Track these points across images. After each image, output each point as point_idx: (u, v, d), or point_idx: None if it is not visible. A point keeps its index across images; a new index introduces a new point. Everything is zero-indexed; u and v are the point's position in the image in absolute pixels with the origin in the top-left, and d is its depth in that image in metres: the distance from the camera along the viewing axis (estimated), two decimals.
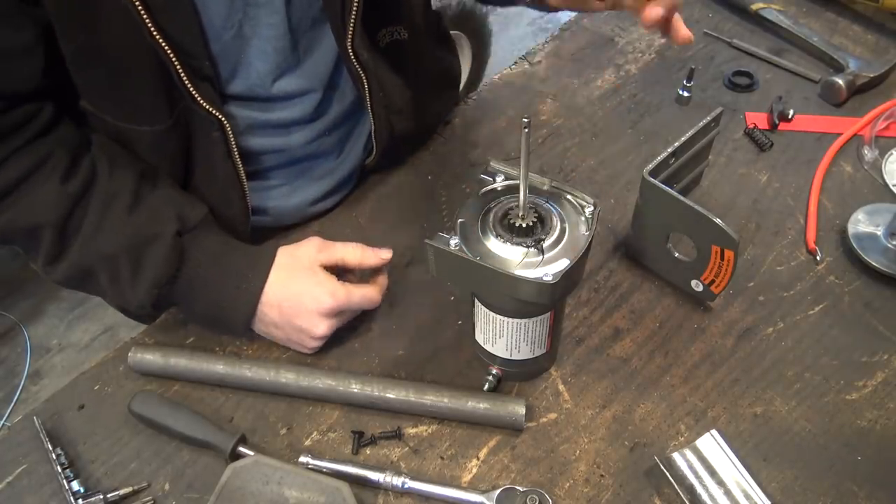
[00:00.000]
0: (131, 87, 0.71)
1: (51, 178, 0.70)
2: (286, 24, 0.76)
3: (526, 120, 0.55)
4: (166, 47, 0.66)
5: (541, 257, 0.60)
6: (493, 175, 0.67)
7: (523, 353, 0.70)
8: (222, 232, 0.79)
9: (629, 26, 1.17)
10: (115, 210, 0.72)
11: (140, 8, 0.63)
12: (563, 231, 0.62)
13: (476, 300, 0.68)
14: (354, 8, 0.74)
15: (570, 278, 0.61)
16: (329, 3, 0.75)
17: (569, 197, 0.65)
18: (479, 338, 0.72)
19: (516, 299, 0.61)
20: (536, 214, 0.62)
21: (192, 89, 0.70)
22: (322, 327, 0.74)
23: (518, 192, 0.61)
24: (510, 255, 0.61)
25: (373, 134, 0.89)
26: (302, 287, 0.74)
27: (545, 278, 0.58)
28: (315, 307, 0.73)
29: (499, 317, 0.67)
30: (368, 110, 0.86)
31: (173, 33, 0.66)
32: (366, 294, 0.76)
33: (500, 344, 0.70)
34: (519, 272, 0.59)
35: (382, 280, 0.79)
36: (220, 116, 0.74)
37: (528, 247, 0.61)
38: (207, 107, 0.73)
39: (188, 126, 0.76)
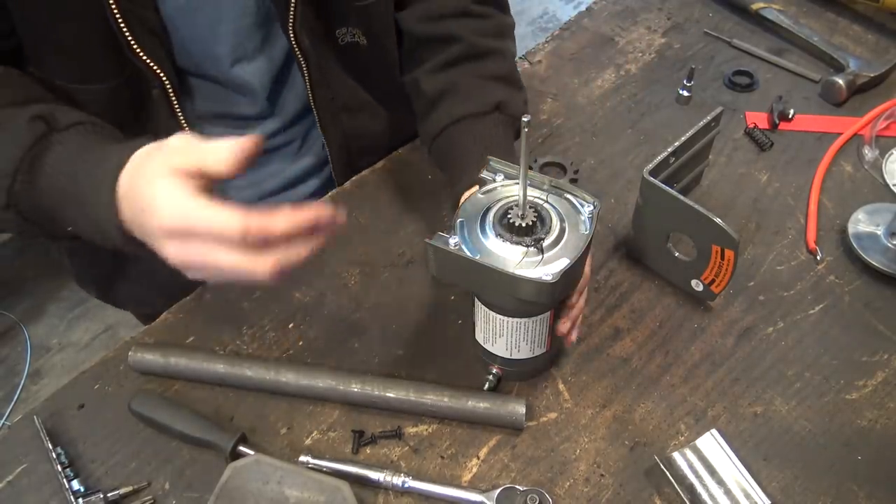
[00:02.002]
0: (65, 26, 0.69)
1: None
2: (251, 10, 0.77)
3: (525, 119, 0.55)
4: None
5: (540, 257, 0.60)
6: (494, 174, 0.67)
7: (523, 352, 0.70)
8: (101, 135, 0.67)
9: (629, 26, 1.18)
10: None
11: None
12: (562, 230, 0.62)
13: (476, 300, 0.68)
14: (293, 5, 0.74)
15: (569, 278, 0.61)
16: None
17: (568, 196, 0.65)
18: (479, 337, 0.72)
19: (516, 299, 0.61)
20: (536, 214, 0.62)
21: (129, 37, 0.69)
22: (165, 247, 0.56)
23: (518, 191, 0.61)
24: (509, 255, 0.60)
25: (318, 126, 0.89)
26: (143, 193, 0.56)
27: (544, 278, 0.58)
28: (151, 222, 0.56)
29: (499, 316, 0.67)
30: (310, 102, 0.86)
31: None
32: (220, 220, 0.53)
33: (499, 343, 0.70)
34: (518, 272, 0.59)
35: (292, 252, 0.56)
36: (161, 74, 0.73)
37: (527, 246, 0.61)
38: (147, 60, 0.71)
39: (134, 95, 0.75)
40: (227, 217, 0.52)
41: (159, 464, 0.70)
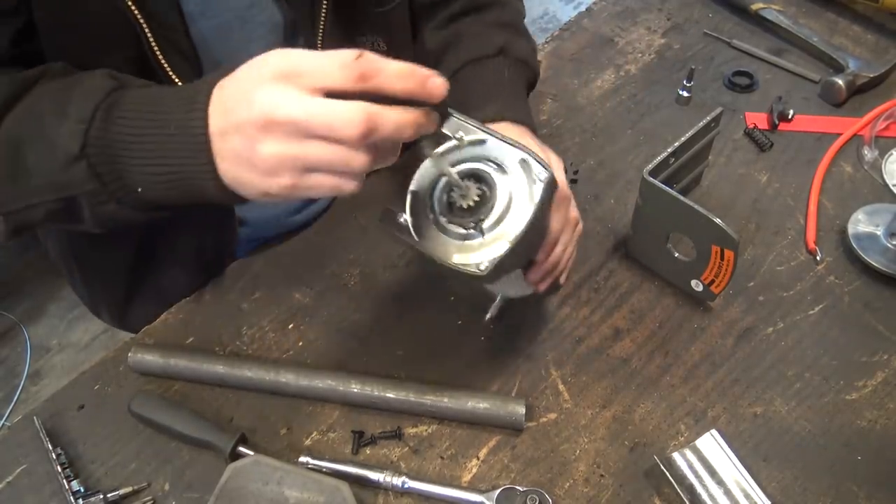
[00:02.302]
0: (104, 58, 0.68)
1: None
2: (278, 26, 0.76)
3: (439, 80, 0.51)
4: (136, 12, 0.64)
5: (482, 238, 0.57)
6: (455, 129, 0.59)
7: (516, 293, 0.70)
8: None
9: (629, 26, 1.18)
10: (48, 80, 0.64)
11: None
12: (508, 206, 0.57)
13: None
14: (324, 12, 0.74)
15: (513, 258, 0.57)
16: (298, 6, 0.75)
17: (527, 157, 0.58)
18: None
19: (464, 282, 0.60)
20: (480, 191, 0.57)
21: (163, 61, 0.68)
22: (257, 96, 0.50)
23: (479, 152, 0.57)
24: (452, 237, 0.57)
25: None
26: (244, 67, 0.54)
27: (481, 267, 0.55)
28: (256, 73, 0.52)
29: None
30: None
31: (147, 4, 0.65)
32: (330, 55, 0.50)
33: (491, 287, 0.70)
34: (457, 258, 0.56)
35: (386, 110, 0.51)
36: None
37: (467, 228, 0.57)
38: (180, 84, 0.71)
39: None
40: (347, 106, 0.49)
41: (159, 464, 0.70)
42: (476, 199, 0.57)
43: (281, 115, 0.50)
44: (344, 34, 0.79)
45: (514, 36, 0.83)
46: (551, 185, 0.57)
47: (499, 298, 0.73)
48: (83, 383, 0.76)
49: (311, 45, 0.78)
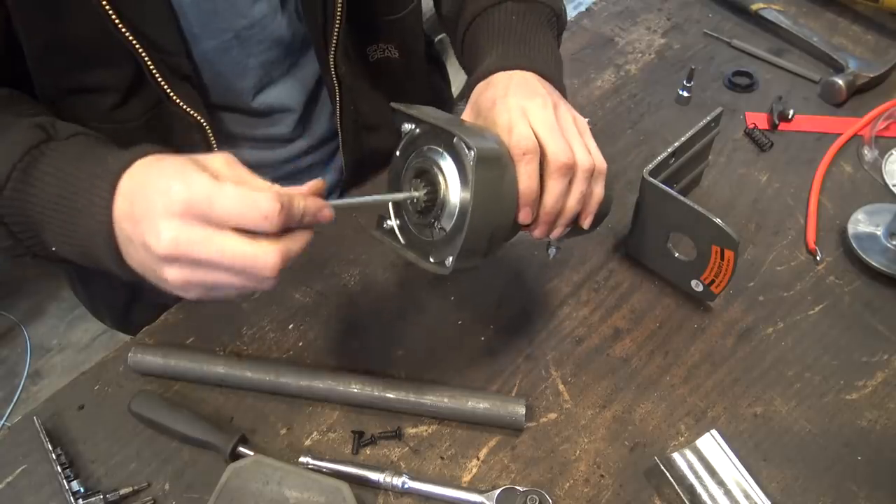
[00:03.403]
0: (99, 76, 0.68)
1: None
2: (277, 41, 0.77)
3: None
4: (134, 41, 0.64)
5: (444, 235, 0.57)
6: (401, 123, 0.59)
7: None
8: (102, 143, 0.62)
9: (629, 26, 1.18)
10: None
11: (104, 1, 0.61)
12: (455, 195, 0.56)
13: None
14: (337, 26, 0.74)
15: (476, 249, 0.56)
16: (311, 21, 0.75)
17: (455, 141, 0.55)
18: None
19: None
20: (428, 192, 0.56)
21: (166, 87, 0.68)
22: (164, 230, 0.48)
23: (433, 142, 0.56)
24: (426, 236, 0.58)
25: (340, 147, 0.88)
26: (158, 178, 0.51)
27: (447, 263, 0.55)
28: (161, 200, 0.49)
29: None
30: (337, 124, 0.85)
31: (144, 28, 0.64)
32: (248, 201, 0.48)
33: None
34: (433, 258, 0.57)
35: (298, 238, 0.52)
36: (200, 119, 0.73)
37: (431, 227, 0.57)
38: (186, 107, 0.71)
39: (166, 129, 0.74)
40: (256, 195, 0.48)
41: (159, 464, 0.70)
42: (425, 200, 0.56)
43: (190, 256, 0.48)
44: (356, 45, 0.79)
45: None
46: (482, 161, 0.54)
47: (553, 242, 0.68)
48: (83, 383, 0.76)
49: (322, 59, 0.78)
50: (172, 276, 0.50)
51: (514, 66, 0.68)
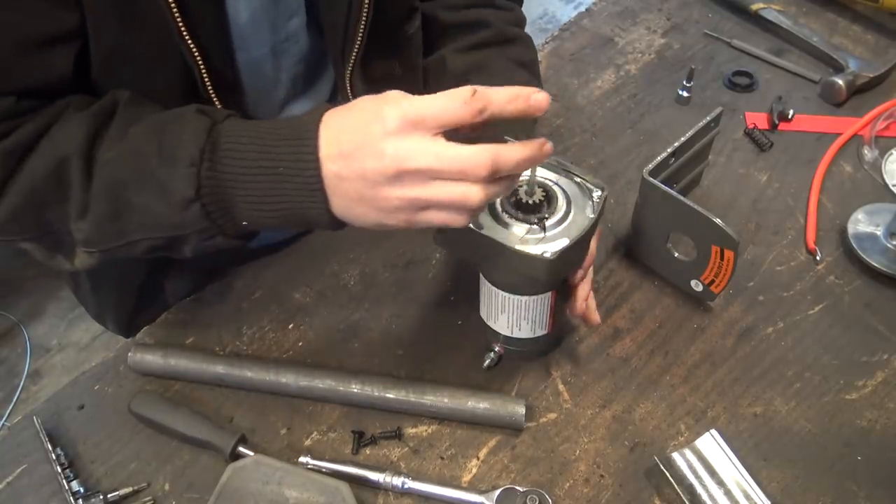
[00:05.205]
0: (156, 92, 0.69)
1: (70, 115, 0.63)
2: (304, 56, 0.78)
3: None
4: (194, 49, 0.65)
5: (543, 234, 0.61)
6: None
7: (524, 331, 0.70)
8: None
9: (629, 26, 1.18)
10: (140, 120, 0.64)
11: (174, 8, 0.61)
12: (568, 212, 0.63)
13: (481, 276, 0.69)
14: (358, 42, 0.74)
15: (568, 259, 0.61)
16: (332, 37, 0.75)
17: (578, 179, 0.66)
18: (483, 313, 0.73)
19: (516, 274, 0.62)
20: (544, 193, 0.63)
21: (212, 93, 0.69)
22: (387, 148, 0.53)
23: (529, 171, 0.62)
24: (514, 231, 0.62)
25: None
26: (360, 113, 0.56)
27: (544, 255, 0.59)
28: (380, 124, 0.53)
29: (501, 292, 0.67)
30: None
31: (202, 38, 0.65)
32: (450, 103, 0.52)
33: (502, 320, 0.70)
34: (519, 247, 0.60)
35: (509, 148, 0.54)
36: None
37: (531, 223, 0.62)
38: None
39: None
40: (475, 150, 0.52)
41: (159, 464, 0.70)
42: (542, 196, 0.62)
43: (413, 166, 0.53)
44: (373, 60, 0.79)
45: (532, 78, 0.85)
46: (605, 199, 0.64)
47: (498, 346, 0.75)
48: (83, 383, 0.76)
49: (339, 73, 0.78)
50: (393, 194, 0.54)
51: None
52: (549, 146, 0.56)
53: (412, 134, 0.53)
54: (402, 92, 0.55)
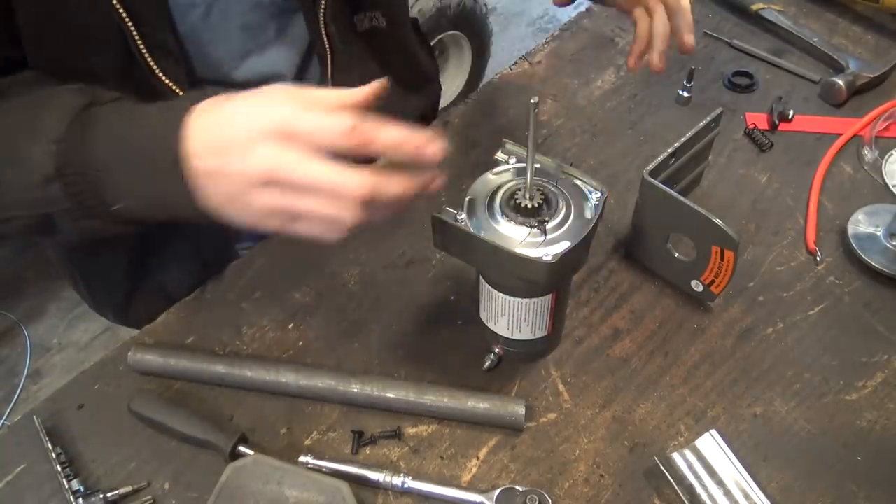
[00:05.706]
0: (91, 59, 0.68)
1: None
2: (258, 3, 0.75)
3: (534, 101, 0.55)
4: (125, 15, 0.64)
5: (543, 238, 0.61)
6: (508, 156, 0.67)
7: (524, 333, 0.70)
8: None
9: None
10: (13, 93, 0.62)
11: None
12: (567, 215, 0.63)
13: (480, 278, 0.69)
14: None
15: (569, 262, 0.61)
16: None
17: (577, 182, 0.66)
18: (483, 316, 0.72)
19: (517, 277, 0.62)
20: (543, 196, 0.63)
21: (152, 63, 0.68)
22: (259, 152, 0.51)
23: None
24: (513, 234, 0.62)
25: None
26: (236, 108, 0.53)
27: (544, 258, 0.59)
28: (255, 126, 0.51)
29: (501, 295, 0.67)
30: None
31: (133, 4, 0.64)
32: (327, 119, 0.51)
33: (502, 322, 0.70)
34: (519, 250, 0.60)
35: (394, 181, 0.53)
36: (179, 92, 0.73)
37: (531, 227, 0.62)
38: (170, 84, 0.71)
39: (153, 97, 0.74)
40: (334, 117, 0.50)
41: (159, 464, 0.70)
42: (541, 199, 0.62)
43: (283, 176, 0.51)
44: (344, 11, 0.78)
45: None
46: (605, 201, 0.64)
47: (498, 348, 0.74)
48: (83, 383, 0.76)
49: (311, 23, 0.76)
50: (263, 200, 0.52)
51: None
52: (438, 182, 0.54)
53: (286, 145, 0.50)
54: (289, 88, 0.53)
